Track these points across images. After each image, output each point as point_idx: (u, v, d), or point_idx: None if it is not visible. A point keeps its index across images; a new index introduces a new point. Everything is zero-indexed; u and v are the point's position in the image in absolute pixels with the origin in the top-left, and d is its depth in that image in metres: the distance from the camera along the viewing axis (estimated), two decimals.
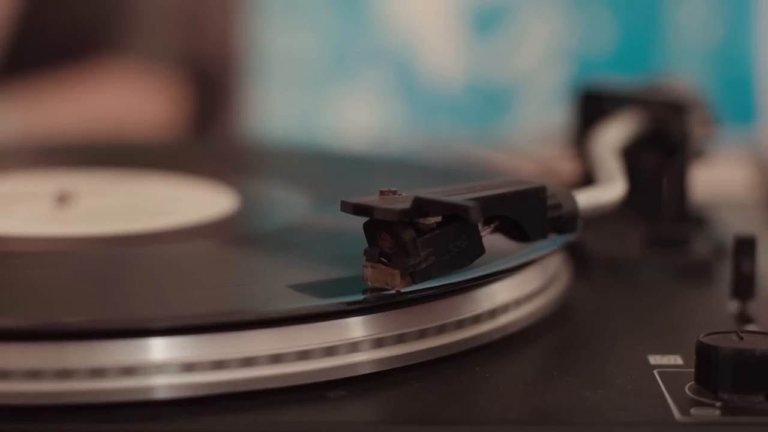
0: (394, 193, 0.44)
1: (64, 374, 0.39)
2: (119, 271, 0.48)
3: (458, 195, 0.43)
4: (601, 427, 0.40)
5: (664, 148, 0.59)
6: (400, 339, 0.43)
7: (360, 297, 0.43)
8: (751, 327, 0.48)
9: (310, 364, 0.42)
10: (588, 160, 0.58)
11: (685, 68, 1.35)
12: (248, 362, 0.41)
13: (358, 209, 0.43)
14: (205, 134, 1.21)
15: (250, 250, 0.51)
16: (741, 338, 0.41)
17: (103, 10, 1.16)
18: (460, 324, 0.45)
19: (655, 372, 0.44)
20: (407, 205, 0.42)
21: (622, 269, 0.56)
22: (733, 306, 0.50)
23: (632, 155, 0.58)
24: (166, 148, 0.83)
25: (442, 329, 0.45)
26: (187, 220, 0.54)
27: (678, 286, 0.55)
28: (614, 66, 1.38)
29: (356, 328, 0.43)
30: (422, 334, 0.44)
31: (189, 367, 0.40)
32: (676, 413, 0.40)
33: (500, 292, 0.47)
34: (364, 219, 0.43)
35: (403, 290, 0.43)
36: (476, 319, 0.46)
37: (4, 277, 0.47)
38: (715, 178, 0.66)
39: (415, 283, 0.42)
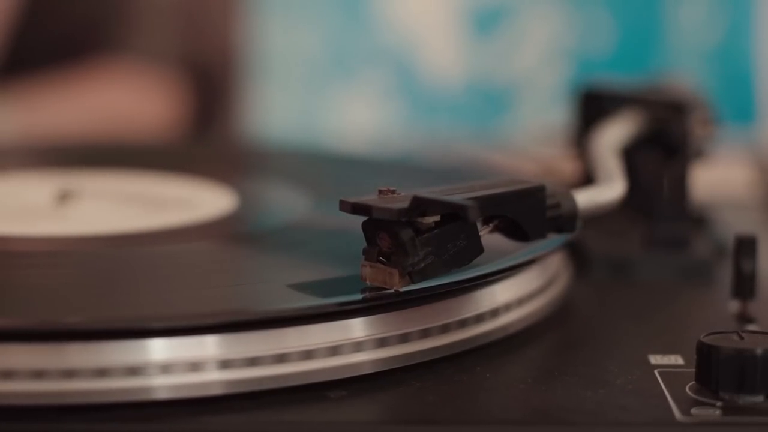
0: (393, 192, 0.43)
1: (68, 374, 0.39)
2: (119, 271, 0.48)
3: (457, 194, 0.43)
4: (601, 427, 0.40)
5: (664, 148, 0.58)
6: (401, 339, 0.43)
7: (359, 297, 0.43)
8: (751, 327, 0.48)
9: (310, 364, 0.42)
10: (588, 159, 0.58)
11: (685, 68, 1.35)
12: (248, 362, 0.41)
13: (356, 208, 0.42)
14: (205, 134, 1.20)
15: (250, 250, 0.51)
16: (742, 338, 0.41)
17: (103, 9, 1.16)
18: (461, 324, 0.45)
19: (655, 372, 0.44)
20: (406, 204, 0.42)
21: (622, 269, 0.56)
22: (733, 306, 0.50)
23: (632, 155, 0.58)
24: (166, 148, 0.83)
25: (442, 329, 0.44)
26: (187, 220, 0.54)
27: (678, 286, 0.55)
28: (614, 66, 1.38)
29: (356, 328, 0.43)
30: (422, 334, 0.44)
31: (191, 368, 0.40)
32: (677, 413, 0.40)
33: (500, 292, 0.47)
34: (363, 218, 0.43)
35: (401, 289, 0.42)
36: (476, 319, 0.46)
37: (4, 276, 0.47)
38: (716, 178, 0.66)
39: (413, 282, 0.42)
